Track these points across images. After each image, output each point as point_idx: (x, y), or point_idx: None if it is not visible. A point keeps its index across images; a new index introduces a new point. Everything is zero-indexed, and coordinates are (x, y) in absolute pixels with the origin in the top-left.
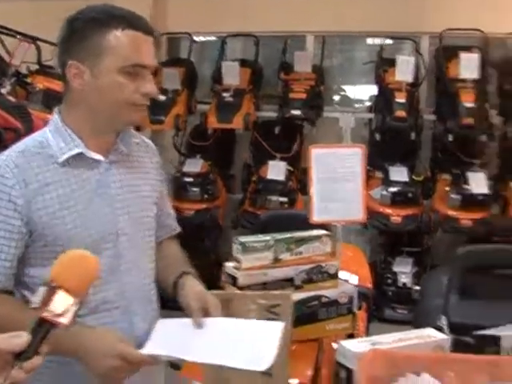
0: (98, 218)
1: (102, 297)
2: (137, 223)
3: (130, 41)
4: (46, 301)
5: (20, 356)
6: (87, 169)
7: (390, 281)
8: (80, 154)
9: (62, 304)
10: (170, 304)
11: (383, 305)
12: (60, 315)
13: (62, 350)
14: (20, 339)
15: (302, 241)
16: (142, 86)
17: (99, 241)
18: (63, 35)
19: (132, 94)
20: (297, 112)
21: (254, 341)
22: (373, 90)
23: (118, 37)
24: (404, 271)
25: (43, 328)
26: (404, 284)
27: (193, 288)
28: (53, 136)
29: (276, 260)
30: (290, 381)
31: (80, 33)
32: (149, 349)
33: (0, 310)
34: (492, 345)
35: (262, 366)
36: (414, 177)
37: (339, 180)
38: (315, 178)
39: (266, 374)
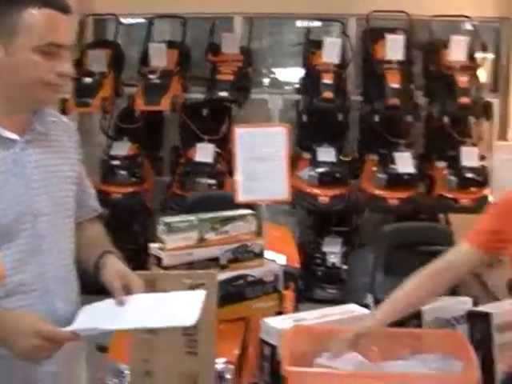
0: (14, 199)
1: (20, 279)
2: (56, 203)
3: (45, 19)
4: None
5: None
6: (3, 148)
7: (319, 261)
8: None
9: None
10: (90, 288)
11: (313, 285)
12: None
13: None
14: None
15: (226, 220)
16: (58, 66)
17: (16, 221)
18: None
19: (47, 73)
20: (224, 94)
21: (178, 305)
22: (301, 71)
23: (34, 15)
24: (333, 251)
25: None
26: (333, 264)
27: (115, 267)
28: None
29: (201, 240)
30: (217, 360)
31: None
32: (72, 327)
33: None
34: (414, 319)
35: (189, 321)
36: (341, 157)
37: (263, 159)
38: (239, 158)
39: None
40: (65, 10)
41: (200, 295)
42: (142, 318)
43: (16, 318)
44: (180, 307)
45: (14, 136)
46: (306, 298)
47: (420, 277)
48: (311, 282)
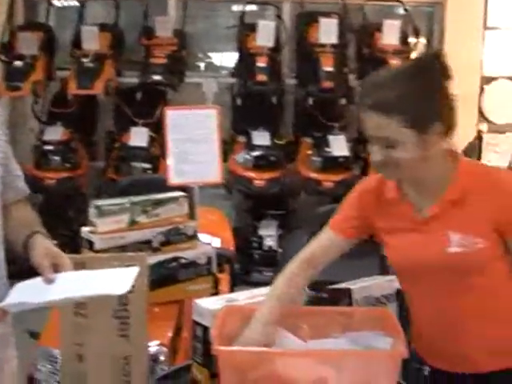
0: None
1: None
2: None
3: None
4: None
5: None
6: None
7: (255, 244)
8: None
9: None
10: (19, 273)
11: (250, 268)
12: None
13: None
14: None
15: (158, 203)
16: None
17: None
18: None
19: None
20: (158, 77)
21: (109, 277)
22: (236, 55)
23: None
24: (269, 234)
25: None
26: (269, 247)
27: (43, 246)
28: None
29: (133, 223)
30: (151, 343)
31: None
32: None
33: None
34: (344, 298)
35: (120, 290)
36: (276, 141)
37: (195, 141)
38: (171, 141)
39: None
40: None
41: (133, 271)
42: (72, 290)
43: None
44: (111, 279)
45: None
46: (244, 281)
47: (289, 274)
48: (248, 266)
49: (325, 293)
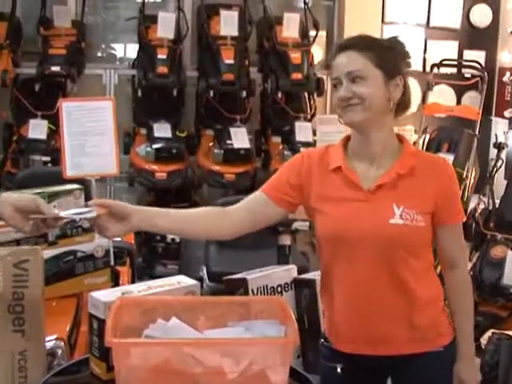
0: None
1: None
2: None
3: None
4: None
5: None
6: None
7: (158, 237)
8: None
9: None
10: None
11: (153, 261)
12: None
13: None
14: None
15: (54, 196)
16: None
17: None
18: None
19: None
20: (56, 68)
21: None
22: (136, 46)
23: None
24: None
25: None
26: (172, 239)
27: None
28: None
29: None
30: (48, 338)
31: None
32: None
33: None
34: (241, 288)
35: None
36: (177, 133)
37: (91, 134)
38: (66, 133)
39: None
40: None
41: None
42: None
43: None
44: None
45: None
46: (148, 274)
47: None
48: (152, 259)
49: (222, 283)
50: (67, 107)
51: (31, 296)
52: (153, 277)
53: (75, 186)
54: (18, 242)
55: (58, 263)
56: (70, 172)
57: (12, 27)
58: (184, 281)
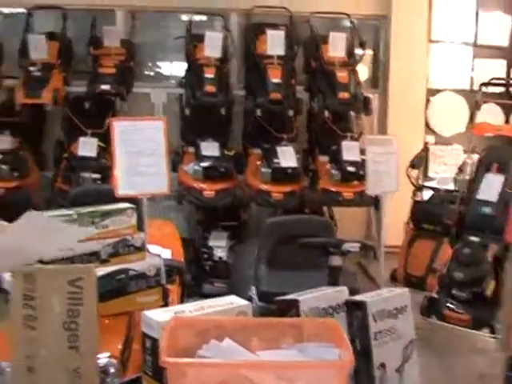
0: None
1: None
2: None
3: None
4: None
5: None
6: None
7: (206, 255)
8: None
9: None
10: None
11: (201, 279)
12: None
13: None
14: None
15: (106, 214)
16: None
17: None
18: None
19: None
20: (106, 87)
21: None
22: (184, 65)
23: None
24: (219, 245)
25: None
26: (220, 258)
27: None
28: None
29: None
30: (101, 355)
31: None
32: None
33: None
34: (292, 309)
35: None
36: (225, 152)
37: (142, 153)
38: (119, 152)
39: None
40: None
41: None
42: None
43: None
44: None
45: None
46: (195, 292)
47: None
48: (200, 277)
49: (273, 304)
50: (119, 127)
51: (86, 313)
52: (201, 295)
53: (127, 204)
54: (71, 260)
55: (111, 281)
56: (122, 190)
57: (63, 47)
58: (236, 301)
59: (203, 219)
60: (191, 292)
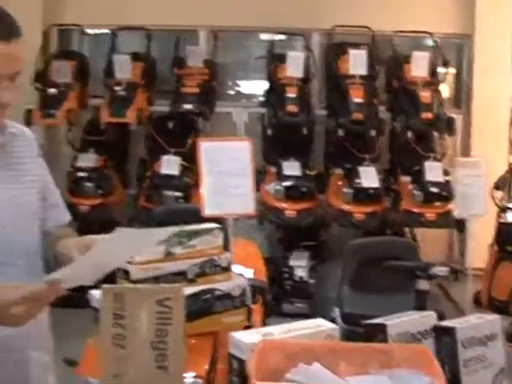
0: None
1: None
2: (20, 215)
3: None
4: None
5: None
6: None
7: (286, 275)
8: None
9: None
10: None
11: (282, 299)
12: None
13: None
14: None
15: (193, 234)
16: None
17: None
18: None
19: None
20: (189, 106)
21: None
22: (265, 84)
23: None
24: (300, 265)
25: None
26: (300, 278)
27: (75, 239)
28: None
29: (168, 254)
30: (187, 374)
31: None
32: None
33: None
34: (380, 333)
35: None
36: (307, 171)
37: (229, 173)
38: (205, 172)
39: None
40: (6, 38)
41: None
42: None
43: None
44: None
45: None
46: (275, 312)
47: None
48: (280, 296)
49: (360, 327)
50: (206, 147)
51: (174, 333)
52: (281, 314)
53: (214, 225)
54: (157, 279)
55: (197, 301)
56: (208, 211)
57: (147, 67)
58: (323, 324)
59: (284, 239)
60: (271, 311)
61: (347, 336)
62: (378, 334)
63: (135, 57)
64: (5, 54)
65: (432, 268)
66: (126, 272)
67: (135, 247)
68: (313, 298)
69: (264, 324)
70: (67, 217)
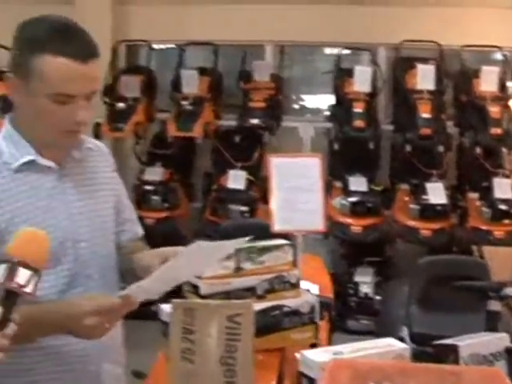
0: (57, 224)
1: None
2: (96, 229)
3: (59, 69)
4: (10, 275)
5: None
6: (41, 175)
7: (351, 291)
8: (32, 161)
9: (24, 276)
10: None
11: (346, 315)
12: (24, 286)
13: (52, 329)
14: None
15: (263, 250)
16: (74, 114)
17: (59, 247)
18: (12, 43)
19: (62, 121)
20: (256, 121)
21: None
22: (331, 99)
23: (48, 63)
24: (365, 281)
25: (11, 299)
26: (365, 294)
27: (155, 251)
28: (5, 143)
29: (238, 269)
30: None
31: (18, 48)
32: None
33: None
34: (451, 354)
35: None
36: (373, 187)
37: (299, 189)
38: (275, 188)
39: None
40: (84, 59)
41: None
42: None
43: (65, 307)
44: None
45: (50, 164)
46: (339, 328)
47: None
48: (344, 313)
49: (430, 348)
50: (276, 163)
51: (243, 349)
52: (345, 330)
53: (284, 241)
54: (227, 294)
55: (266, 317)
56: (277, 226)
57: (214, 81)
58: (394, 344)
59: (348, 254)
60: (336, 328)
61: (416, 356)
62: (449, 355)
63: (202, 71)
64: (82, 74)
65: (504, 288)
66: (195, 287)
67: (209, 259)
68: (378, 315)
69: (330, 341)
70: (140, 231)
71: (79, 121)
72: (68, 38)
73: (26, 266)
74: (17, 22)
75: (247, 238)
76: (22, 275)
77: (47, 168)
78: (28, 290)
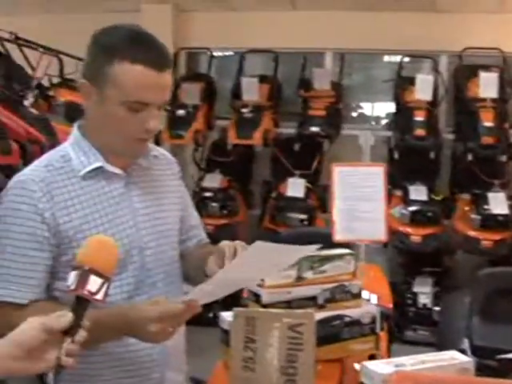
0: (121, 233)
1: None
2: (161, 236)
3: (136, 76)
4: (81, 282)
5: (67, 332)
6: (108, 182)
7: (410, 301)
8: (100, 168)
9: (95, 283)
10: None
11: (404, 326)
12: (95, 293)
13: (117, 334)
14: (66, 317)
15: (325, 259)
16: (146, 122)
17: (125, 254)
18: (86, 51)
19: (133, 129)
20: (316, 129)
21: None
22: (390, 107)
23: (124, 70)
24: (424, 291)
25: (82, 305)
26: (424, 305)
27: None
28: (73, 150)
29: (299, 278)
30: None
31: (94, 55)
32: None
33: (46, 307)
34: None
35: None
36: (433, 196)
37: (361, 199)
38: (338, 197)
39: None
40: (161, 68)
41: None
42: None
43: (130, 312)
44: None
45: (118, 171)
46: (397, 338)
47: None
48: (402, 323)
49: (493, 361)
50: (340, 172)
51: (304, 359)
52: (403, 341)
53: (347, 250)
54: (288, 303)
55: (326, 327)
56: (339, 236)
57: (274, 89)
58: (458, 357)
59: (407, 263)
60: (393, 338)
61: (479, 369)
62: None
63: (262, 79)
64: (157, 82)
65: None
66: (257, 295)
67: (277, 262)
68: (436, 326)
69: (389, 352)
70: (205, 237)
71: (150, 129)
72: (146, 47)
73: (97, 274)
74: (83, 31)
75: (317, 246)
76: (93, 283)
77: (114, 175)
78: (99, 297)
